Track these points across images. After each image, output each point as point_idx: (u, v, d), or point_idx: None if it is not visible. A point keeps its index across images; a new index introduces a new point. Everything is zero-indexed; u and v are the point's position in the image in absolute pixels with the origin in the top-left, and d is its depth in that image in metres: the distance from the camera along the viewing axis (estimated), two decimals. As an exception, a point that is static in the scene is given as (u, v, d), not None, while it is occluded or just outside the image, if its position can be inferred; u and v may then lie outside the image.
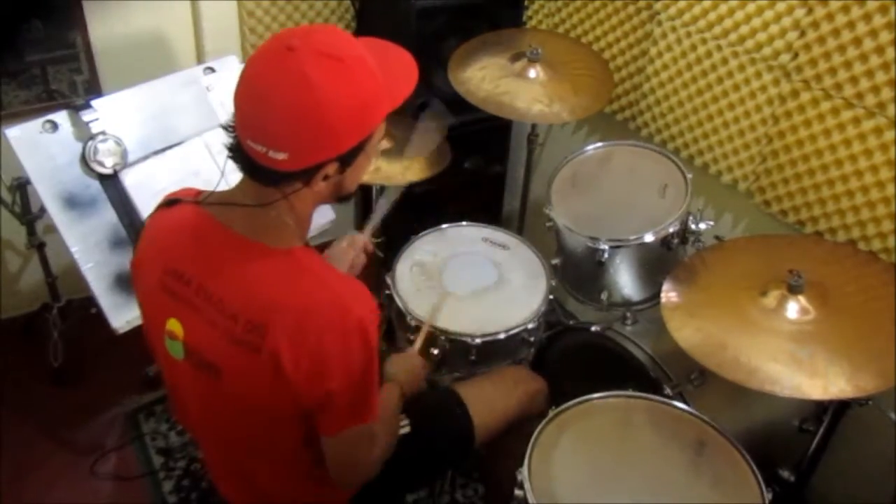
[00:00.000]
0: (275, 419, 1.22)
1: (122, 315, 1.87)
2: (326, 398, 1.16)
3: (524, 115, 2.09)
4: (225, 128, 1.15)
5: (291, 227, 1.20)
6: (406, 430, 1.49)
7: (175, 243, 1.23)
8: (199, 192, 1.27)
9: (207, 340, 1.18)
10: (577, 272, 1.94)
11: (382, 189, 1.91)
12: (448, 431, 1.60)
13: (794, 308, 1.47)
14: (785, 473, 1.62)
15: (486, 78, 2.12)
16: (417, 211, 2.40)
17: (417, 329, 1.76)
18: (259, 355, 1.13)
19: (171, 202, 1.27)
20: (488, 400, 1.65)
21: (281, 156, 1.08)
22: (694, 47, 2.05)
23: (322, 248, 1.25)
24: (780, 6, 1.81)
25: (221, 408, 1.24)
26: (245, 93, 1.11)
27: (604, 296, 1.90)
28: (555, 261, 1.96)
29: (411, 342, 1.74)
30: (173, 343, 1.22)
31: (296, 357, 1.12)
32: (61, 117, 1.89)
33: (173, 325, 1.21)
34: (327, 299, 1.14)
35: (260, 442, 1.28)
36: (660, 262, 1.82)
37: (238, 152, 1.14)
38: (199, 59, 2.47)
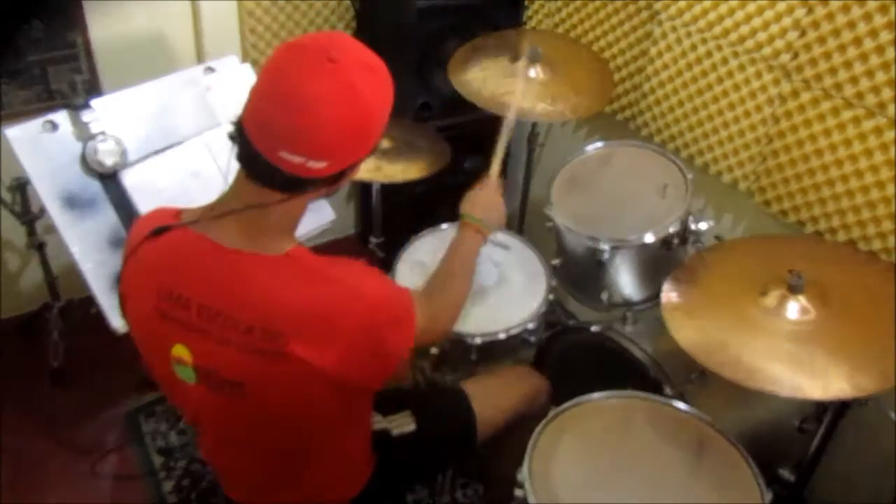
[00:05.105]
0: (311, 414, 1.22)
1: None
2: (369, 374, 1.20)
3: (527, 114, 2.09)
4: (250, 151, 1.10)
5: (285, 230, 1.19)
6: (412, 428, 1.49)
7: (167, 268, 1.20)
8: (180, 212, 1.23)
9: (222, 359, 1.16)
10: (578, 272, 1.94)
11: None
12: (453, 429, 1.60)
13: (794, 308, 1.47)
14: (785, 473, 1.62)
15: (487, 78, 2.12)
16: (417, 211, 2.40)
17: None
18: (283, 361, 1.12)
19: (157, 231, 1.20)
20: (492, 397, 1.66)
21: (321, 164, 1.09)
22: (694, 47, 2.05)
23: (322, 248, 1.23)
24: (780, 6, 1.81)
25: (248, 420, 1.23)
26: (284, 106, 1.06)
27: (604, 296, 1.90)
28: (555, 261, 1.96)
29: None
30: (184, 368, 1.20)
31: (326, 355, 1.13)
32: (61, 117, 1.89)
33: (179, 351, 1.19)
34: (338, 292, 1.15)
35: (295, 442, 1.28)
36: (660, 262, 1.82)
37: (258, 164, 1.10)
38: (199, 59, 2.47)
